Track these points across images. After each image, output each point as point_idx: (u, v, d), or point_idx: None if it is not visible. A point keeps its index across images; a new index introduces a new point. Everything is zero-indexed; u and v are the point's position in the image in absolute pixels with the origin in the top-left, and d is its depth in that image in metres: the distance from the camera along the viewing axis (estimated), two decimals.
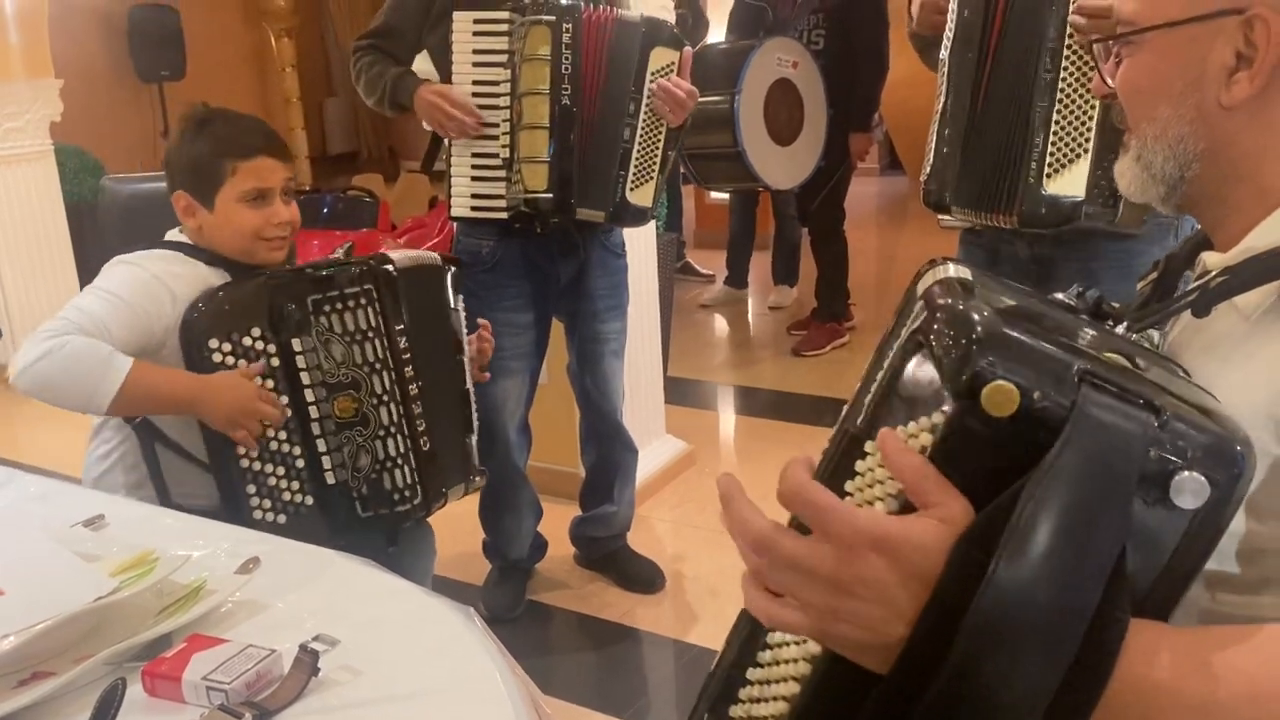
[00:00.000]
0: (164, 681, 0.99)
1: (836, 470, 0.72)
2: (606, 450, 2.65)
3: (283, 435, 1.63)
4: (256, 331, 1.62)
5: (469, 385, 1.90)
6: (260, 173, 1.68)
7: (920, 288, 0.75)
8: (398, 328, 1.67)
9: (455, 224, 2.42)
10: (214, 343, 1.60)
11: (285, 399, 1.63)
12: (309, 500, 1.65)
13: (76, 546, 1.24)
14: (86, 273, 4.89)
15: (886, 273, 5.04)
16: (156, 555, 1.19)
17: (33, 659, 1.02)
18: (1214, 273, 0.78)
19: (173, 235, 1.75)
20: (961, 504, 0.63)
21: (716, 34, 5.57)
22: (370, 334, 1.64)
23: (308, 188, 7.45)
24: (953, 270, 0.75)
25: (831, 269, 4.67)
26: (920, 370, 0.67)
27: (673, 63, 2.22)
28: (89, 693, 0.96)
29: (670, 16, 2.98)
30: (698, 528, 3.04)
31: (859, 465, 0.70)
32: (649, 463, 3.13)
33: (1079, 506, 0.59)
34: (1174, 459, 0.61)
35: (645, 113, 2.21)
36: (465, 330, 1.90)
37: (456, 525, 2.68)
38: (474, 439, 1.91)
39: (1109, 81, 0.90)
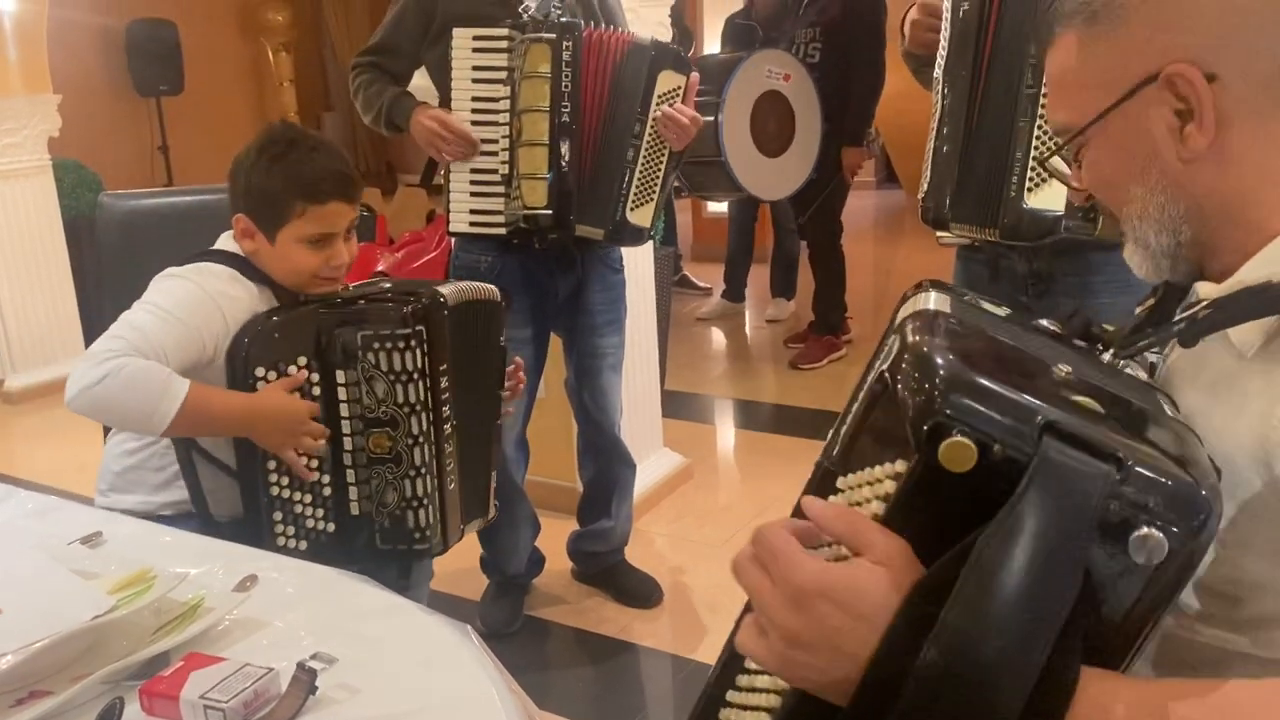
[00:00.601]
0: (161, 700, 0.99)
1: None
2: (604, 465, 2.65)
3: (314, 464, 1.62)
4: (303, 360, 1.60)
5: (500, 421, 1.90)
6: (329, 218, 1.65)
7: (899, 316, 0.75)
8: (441, 368, 1.66)
9: (453, 239, 2.42)
10: (260, 370, 1.58)
11: (321, 426, 1.62)
12: (330, 527, 1.64)
13: (74, 564, 1.24)
14: (85, 288, 4.89)
15: (883, 286, 5.06)
16: (154, 573, 1.19)
17: (30, 678, 1.01)
18: (1203, 304, 0.78)
19: (225, 243, 1.71)
20: (895, 543, 0.65)
21: (712, 48, 5.61)
22: (415, 375, 1.62)
23: None
24: (933, 302, 0.75)
25: (829, 282, 4.68)
26: (887, 411, 0.68)
27: (679, 87, 2.23)
28: (87, 712, 0.96)
29: (667, 31, 3.00)
30: (695, 542, 3.03)
31: (832, 500, 0.72)
32: (646, 477, 3.13)
33: (1032, 560, 0.59)
34: (1135, 512, 0.61)
35: (649, 135, 2.22)
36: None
37: None
38: (495, 474, 1.91)
39: (1076, 185, 0.92)
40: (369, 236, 5.52)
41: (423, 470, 1.65)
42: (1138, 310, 0.92)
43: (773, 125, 4.13)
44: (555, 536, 2.77)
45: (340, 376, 1.61)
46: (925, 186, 1.81)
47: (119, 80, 7.18)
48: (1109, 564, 0.61)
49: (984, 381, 0.63)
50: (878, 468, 0.67)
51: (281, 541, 1.61)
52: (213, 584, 1.19)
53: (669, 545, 3.04)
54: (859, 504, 0.70)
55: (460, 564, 2.71)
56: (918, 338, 0.68)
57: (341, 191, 1.66)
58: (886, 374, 0.68)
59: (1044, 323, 0.82)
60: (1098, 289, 1.75)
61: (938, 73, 1.77)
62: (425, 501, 1.67)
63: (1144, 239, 0.85)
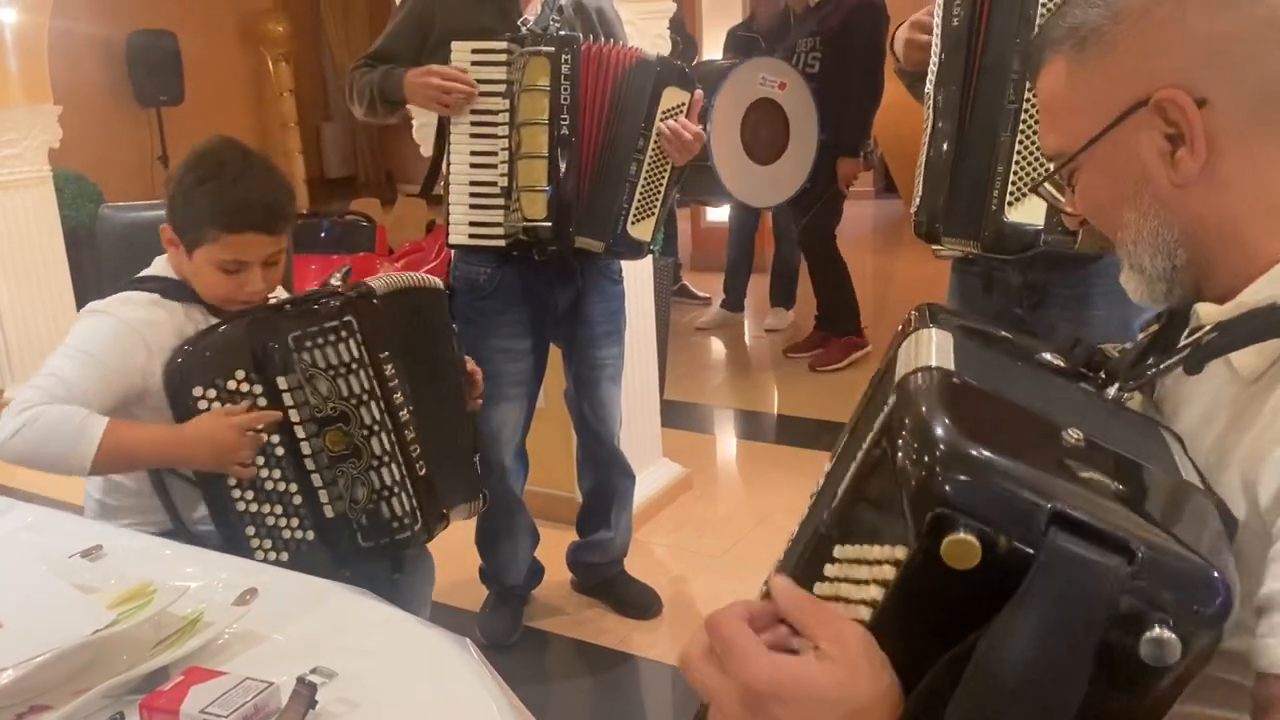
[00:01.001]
0: (162, 715, 0.99)
1: (808, 569, 0.71)
2: (604, 476, 2.65)
3: (277, 474, 1.62)
4: (240, 374, 1.60)
5: (469, 408, 1.90)
6: (243, 248, 1.64)
7: (898, 367, 0.73)
8: (383, 355, 1.65)
9: (453, 251, 2.43)
10: (198, 390, 1.59)
11: (276, 438, 1.61)
12: (310, 535, 1.64)
13: (74, 578, 1.24)
14: (84, 298, 4.88)
15: (882, 295, 5.06)
16: (154, 587, 1.20)
17: (30, 692, 1.02)
18: (1207, 328, 0.78)
19: (158, 266, 1.72)
20: (850, 629, 0.63)
21: (712, 59, 5.63)
22: (355, 366, 1.63)
23: (305, 211, 7.49)
24: (934, 349, 0.72)
25: (833, 285, 4.67)
26: (885, 485, 0.65)
27: (683, 103, 2.23)
28: None
29: (666, 44, 3.01)
30: (695, 552, 3.03)
31: (828, 569, 0.70)
32: (646, 487, 3.13)
33: (1037, 662, 0.57)
34: (1147, 609, 0.58)
35: (652, 150, 2.22)
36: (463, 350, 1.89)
37: (453, 551, 2.67)
38: (478, 459, 1.90)
39: (1069, 211, 0.92)
40: (369, 247, 5.53)
41: (385, 459, 1.66)
42: (1140, 336, 0.91)
43: (765, 133, 4.13)
44: (554, 547, 2.77)
45: (282, 383, 1.61)
46: (917, 201, 1.82)
47: (119, 90, 7.21)
48: (1123, 661, 0.58)
49: (988, 460, 0.60)
50: (876, 547, 0.64)
51: (260, 556, 1.61)
52: (212, 598, 1.20)
53: (668, 556, 3.04)
54: (857, 582, 0.67)
55: (459, 575, 2.71)
56: (917, 406, 0.65)
57: (260, 224, 1.64)
58: (886, 439, 0.65)
59: (1047, 356, 0.80)
60: (1094, 301, 1.76)
61: (929, 87, 1.78)
62: (396, 490, 1.67)
63: (1139, 263, 0.85)
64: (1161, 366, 0.80)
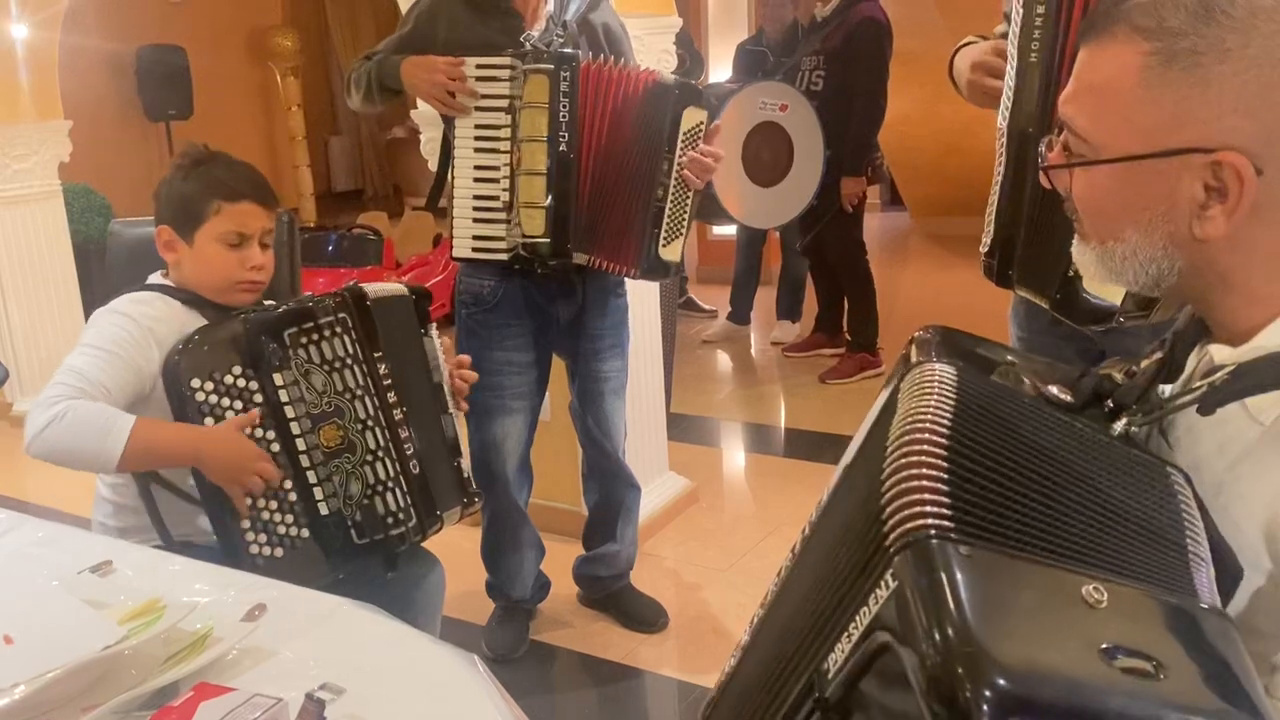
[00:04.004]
0: None
1: None
2: (609, 489, 2.66)
3: (260, 500, 1.62)
4: (237, 370, 1.62)
5: (450, 410, 1.90)
6: (242, 217, 1.72)
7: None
8: (375, 354, 1.71)
9: (457, 263, 2.45)
10: (196, 382, 1.60)
11: (273, 433, 1.64)
12: (304, 533, 1.65)
13: (84, 593, 1.25)
14: (93, 313, 4.92)
15: (888, 310, 5.06)
16: (164, 603, 1.20)
17: (41, 708, 1.02)
18: (1222, 370, 0.76)
19: (155, 279, 1.78)
20: None
21: (719, 74, 5.64)
22: (349, 360, 1.68)
23: (312, 225, 7.52)
24: (931, 519, 0.63)
25: (856, 302, 4.69)
26: (893, 668, 0.60)
27: (702, 122, 2.24)
28: None
29: (672, 59, 3.03)
30: (701, 566, 3.03)
31: None
32: (652, 500, 3.13)
33: None
34: None
35: (677, 174, 2.23)
36: (441, 359, 1.91)
37: (460, 564, 2.68)
38: (461, 461, 1.91)
39: (1047, 166, 0.88)
40: (376, 260, 5.55)
41: (379, 453, 1.69)
42: (1144, 364, 0.87)
43: (768, 155, 4.12)
44: (561, 561, 2.77)
45: (278, 379, 1.63)
46: (987, 241, 1.71)
47: (129, 105, 7.26)
48: None
49: (1044, 705, 0.55)
50: None
51: (255, 550, 1.61)
52: (222, 613, 1.20)
53: (674, 569, 3.04)
54: None
55: (466, 588, 2.72)
56: (938, 638, 0.57)
57: (255, 194, 1.74)
58: (890, 636, 0.60)
59: (1054, 390, 0.77)
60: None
61: (1001, 123, 1.65)
62: (390, 485, 1.69)
63: (1118, 272, 0.83)
64: (1174, 404, 0.78)
